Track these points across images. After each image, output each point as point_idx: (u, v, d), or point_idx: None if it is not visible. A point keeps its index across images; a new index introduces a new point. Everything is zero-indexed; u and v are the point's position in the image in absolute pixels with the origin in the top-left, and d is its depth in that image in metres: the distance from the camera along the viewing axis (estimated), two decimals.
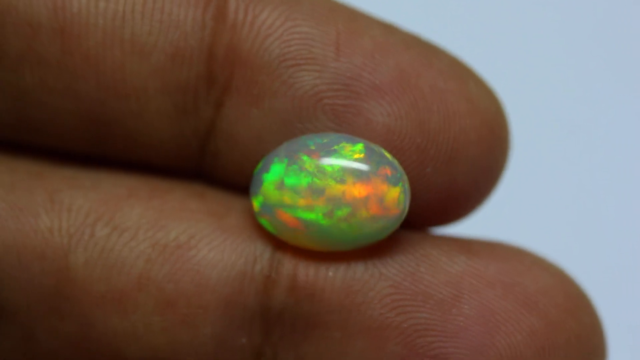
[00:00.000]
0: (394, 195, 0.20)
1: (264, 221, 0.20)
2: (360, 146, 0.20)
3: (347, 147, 0.20)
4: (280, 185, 0.20)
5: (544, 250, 0.22)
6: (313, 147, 0.20)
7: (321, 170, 0.20)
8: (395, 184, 0.20)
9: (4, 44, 0.20)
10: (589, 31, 0.42)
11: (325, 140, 0.20)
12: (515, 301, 0.20)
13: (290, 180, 0.20)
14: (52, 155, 0.22)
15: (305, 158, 0.20)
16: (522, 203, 0.38)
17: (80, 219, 0.21)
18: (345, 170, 0.19)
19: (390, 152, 0.20)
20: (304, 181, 0.20)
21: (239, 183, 0.22)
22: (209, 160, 0.22)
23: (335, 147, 0.20)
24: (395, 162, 0.20)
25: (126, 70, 0.20)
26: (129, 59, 0.20)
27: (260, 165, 0.20)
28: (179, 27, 0.20)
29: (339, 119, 0.20)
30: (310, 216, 0.20)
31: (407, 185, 0.20)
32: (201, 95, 0.21)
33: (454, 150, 0.20)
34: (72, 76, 0.20)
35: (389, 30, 0.21)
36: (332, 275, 0.20)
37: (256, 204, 0.20)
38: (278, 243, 0.21)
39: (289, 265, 0.20)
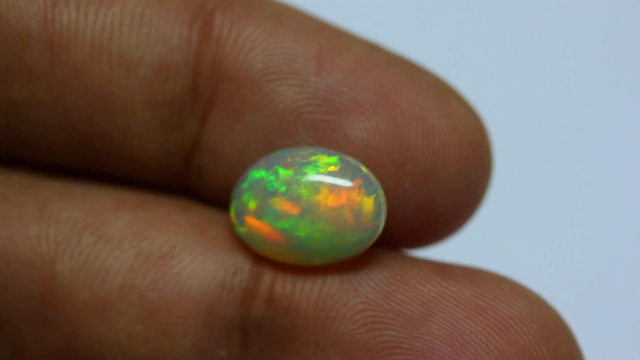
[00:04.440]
0: (369, 208, 0.20)
1: (240, 232, 0.20)
2: (335, 159, 0.20)
3: (323, 160, 0.20)
4: (256, 197, 0.20)
5: (527, 275, 0.22)
6: (289, 160, 0.20)
7: (296, 182, 0.20)
8: (369, 197, 0.20)
9: None
10: (571, 50, 0.42)
11: (301, 152, 0.20)
12: (486, 324, 0.20)
13: (266, 192, 0.20)
14: (44, 168, 0.22)
15: (281, 170, 0.20)
16: (506, 226, 0.38)
17: (68, 228, 0.21)
18: (320, 182, 0.20)
19: (367, 166, 0.20)
20: (279, 192, 0.20)
21: (223, 199, 0.22)
22: (193, 176, 0.22)
23: (311, 159, 0.20)
24: (371, 175, 0.20)
25: (113, 84, 0.20)
26: (116, 72, 0.20)
27: (239, 179, 0.20)
28: (165, 42, 0.20)
29: (318, 134, 0.20)
30: (285, 226, 0.20)
31: (382, 200, 0.20)
32: (186, 110, 0.21)
33: (432, 166, 0.20)
34: (61, 89, 0.21)
35: (372, 48, 0.21)
36: (309, 289, 0.20)
37: (232, 213, 0.20)
38: (258, 256, 0.21)
39: (267, 278, 0.20)
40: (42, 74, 0.20)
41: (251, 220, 0.20)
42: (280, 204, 0.20)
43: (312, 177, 0.20)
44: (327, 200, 0.20)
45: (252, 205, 0.20)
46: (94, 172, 0.22)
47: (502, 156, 0.25)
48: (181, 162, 0.21)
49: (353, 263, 0.21)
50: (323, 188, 0.20)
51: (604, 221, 0.40)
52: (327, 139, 0.20)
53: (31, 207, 0.21)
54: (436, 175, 0.20)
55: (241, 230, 0.20)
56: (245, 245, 0.21)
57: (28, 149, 0.21)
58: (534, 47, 0.42)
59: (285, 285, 0.20)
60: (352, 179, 0.20)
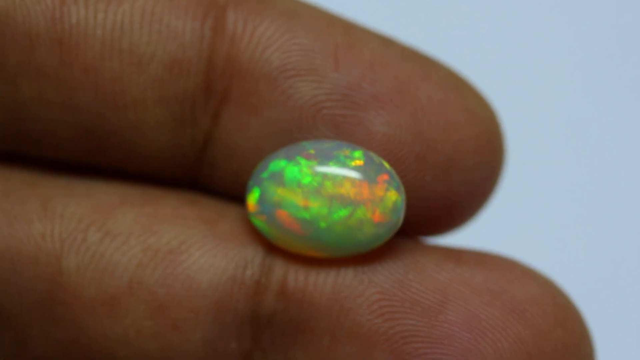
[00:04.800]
0: (390, 203, 0.20)
1: (258, 222, 0.20)
2: (359, 153, 0.20)
3: (346, 153, 0.20)
4: (279, 184, 0.20)
5: (537, 260, 0.22)
6: (312, 152, 0.20)
7: (319, 174, 0.20)
8: (392, 192, 0.20)
9: (1, 56, 0.20)
10: (583, 43, 0.42)
11: (325, 146, 0.20)
12: (502, 308, 0.20)
13: (288, 180, 0.20)
14: (48, 164, 0.22)
15: (303, 162, 0.20)
16: (517, 214, 0.38)
17: (73, 225, 0.21)
18: (343, 175, 0.20)
19: (389, 160, 0.20)
20: (302, 182, 0.20)
21: (235, 193, 0.22)
22: (205, 171, 0.22)
23: (335, 153, 0.20)
24: (393, 172, 0.20)
25: (124, 81, 0.20)
26: (127, 70, 0.20)
27: (258, 167, 0.20)
28: (177, 38, 0.20)
29: (338, 129, 0.21)
30: (306, 216, 0.20)
31: (403, 196, 0.20)
32: (199, 106, 0.21)
33: (452, 159, 0.20)
34: (71, 88, 0.20)
35: (386, 43, 0.21)
36: (322, 281, 0.20)
37: (252, 201, 0.20)
38: (269, 248, 0.21)
39: (279, 270, 0.21)
40: (51, 73, 0.20)
41: (271, 209, 0.20)
42: (303, 195, 0.20)
43: (336, 170, 0.20)
44: (350, 193, 0.20)
45: (272, 193, 0.20)
46: (104, 168, 0.22)
47: (512, 146, 0.25)
48: (193, 156, 0.21)
49: (366, 254, 0.21)
50: (346, 181, 0.20)
51: (613, 209, 0.40)
52: (347, 134, 0.20)
53: (34, 203, 0.21)
54: (456, 167, 0.20)
55: (258, 219, 0.20)
56: (256, 238, 0.21)
57: (36, 146, 0.21)
58: (545, 39, 0.42)
59: (297, 278, 0.20)
60: (376, 174, 0.20)
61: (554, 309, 0.20)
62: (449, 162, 0.20)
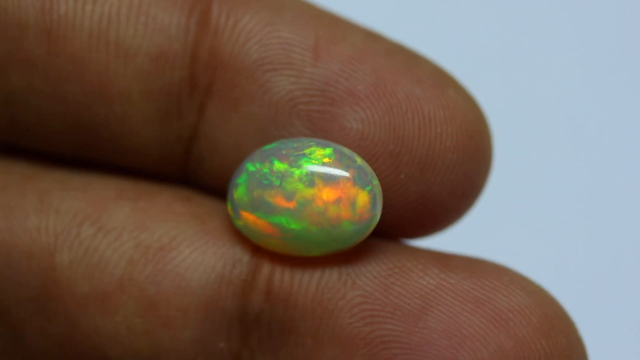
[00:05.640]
0: (364, 199, 0.19)
1: (238, 225, 0.20)
2: (329, 150, 0.20)
3: (317, 151, 0.20)
4: (251, 190, 0.20)
5: (531, 264, 0.22)
6: (284, 152, 0.20)
7: (291, 175, 0.20)
8: (364, 188, 0.20)
9: None
10: (572, 39, 0.42)
11: (296, 144, 0.20)
12: (485, 317, 0.19)
13: (261, 185, 0.20)
14: (45, 158, 0.22)
15: (276, 162, 0.20)
16: (510, 217, 0.38)
17: (68, 219, 0.21)
18: (314, 174, 0.19)
19: (363, 157, 0.20)
20: (274, 184, 0.20)
21: (222, 188, 0.22)
22: (192, 165, 0.22)
23: (305, 151, 0.20)
24: (366, 166, 0.20)
25: (111, 73, 0.20)
26: (114, 62, 0.20)
27: (235, 172, 0.20)
28: (163, 31, 0.20)
29: (313, 125, 0.20)
30: (281, 220, 0.20)
31: (378, 190, 0.20)
32: (184, 100, 0.21)
33: (429, 157, 0.20)
34: (59, 78, 0.20)
35: (371, 37, 0.21)
36: (307, 282, 0.20)
37: (229, 206, 0.20)
38: (257, 247, 0.21)
39: (265, 269, 0.20)
40: (40, 63, 0.20)
41: (246, 214, 0.20)
42: (275, 198, 0.20)
43: (307, 169, 0.19)
44: (322, 192, 0.19)
45: (246, 199, 0.20)
46: (94, 161, 0.22)
47: (503, 146, 0.24)
48: (180, 151, 0.21)
49: (351, 255, 0.20)
50: (318, 181, 0.19)
51: (604, 211, 0.39)
52: (322, 130, 0.20)
53: (31, 197, 0.21)
54: (433, 166, 0.20)
55: (238, 223, 0.20)
56: (244, 236, 0.21)
57: (27, 137, 0.21)
58: (536, 36, 0.42)
59: (283, 278, 0.20)
60: (346, 170, 0.19)
61: (540, 319, 0.20)
62: (425, 160, 0.20)
